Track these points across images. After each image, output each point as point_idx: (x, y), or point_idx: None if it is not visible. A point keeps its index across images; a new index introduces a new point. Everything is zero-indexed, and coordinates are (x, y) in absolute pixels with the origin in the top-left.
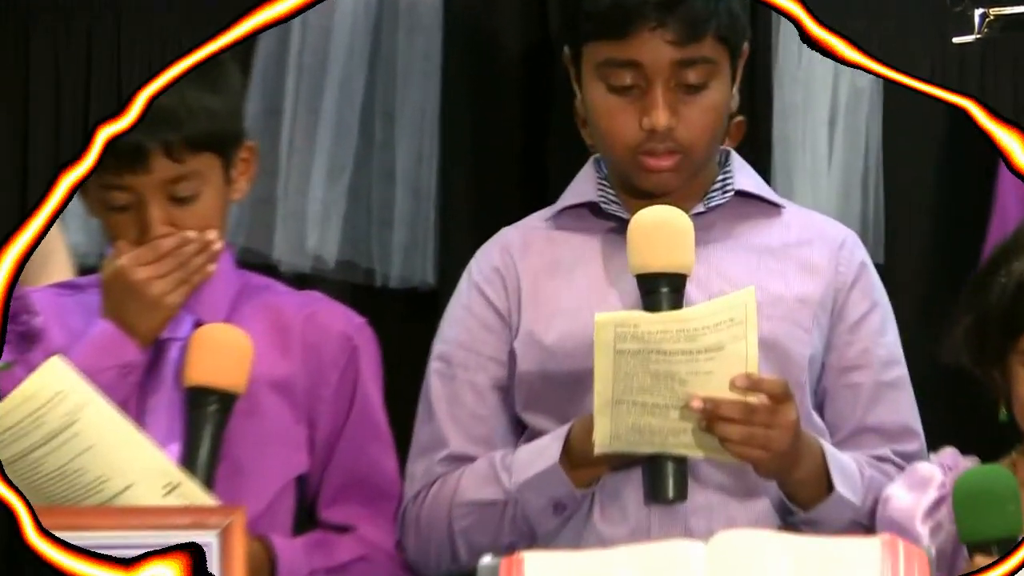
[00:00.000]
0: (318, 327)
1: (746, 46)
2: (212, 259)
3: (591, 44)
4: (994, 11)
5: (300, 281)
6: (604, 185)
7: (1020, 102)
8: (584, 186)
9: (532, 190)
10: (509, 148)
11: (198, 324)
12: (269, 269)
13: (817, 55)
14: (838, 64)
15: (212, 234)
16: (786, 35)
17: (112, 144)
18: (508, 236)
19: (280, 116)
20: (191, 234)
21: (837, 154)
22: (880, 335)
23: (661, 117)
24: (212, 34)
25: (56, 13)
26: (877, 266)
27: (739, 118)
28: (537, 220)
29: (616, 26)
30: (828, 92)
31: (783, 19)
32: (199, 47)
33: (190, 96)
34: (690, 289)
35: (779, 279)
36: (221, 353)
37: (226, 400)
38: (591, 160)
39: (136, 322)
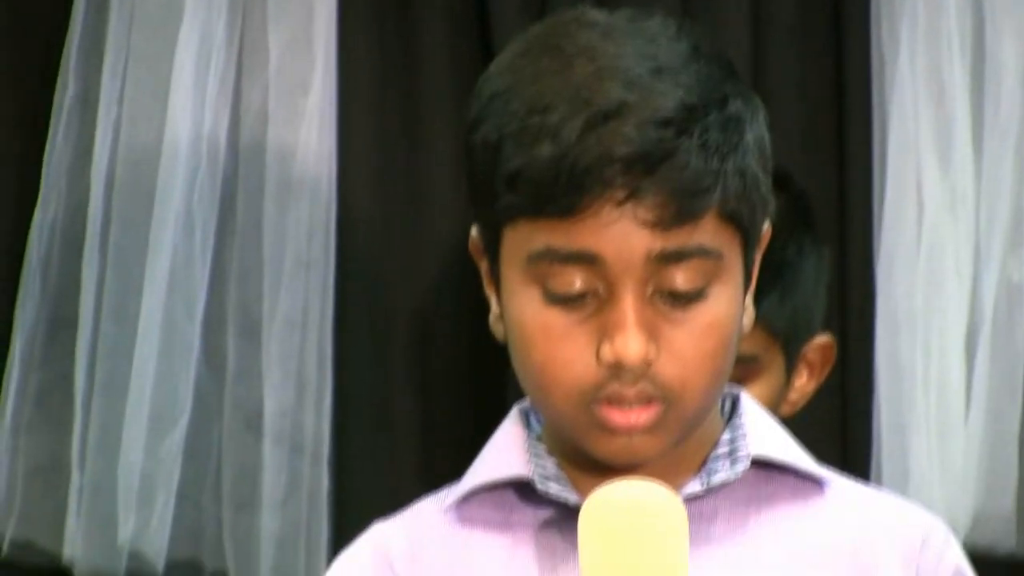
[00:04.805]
0: None
1: (767, 226)
2: None
3: (519, 224)
4: None
5: None
6: (538, 451)
7: None
8: (506, 454)
9: (483, 437)
10: (448, 374)
11: None
12: None
13: (948, 226)
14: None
15: None
16: (897, 187)
17: None
18: (384, 536)
19: (73, 329)
20: None
21: (979, 386)
22: None
23: (632, 344)
24: None
25: None
26: None
27: (824, 338)
28: (432, 509)
29: (561, 195)
30: (966, 285)
31: (889, 164)
32: None
33: None
34: None
35: None
36: None
37: None
38: (515, 410)
39: None
